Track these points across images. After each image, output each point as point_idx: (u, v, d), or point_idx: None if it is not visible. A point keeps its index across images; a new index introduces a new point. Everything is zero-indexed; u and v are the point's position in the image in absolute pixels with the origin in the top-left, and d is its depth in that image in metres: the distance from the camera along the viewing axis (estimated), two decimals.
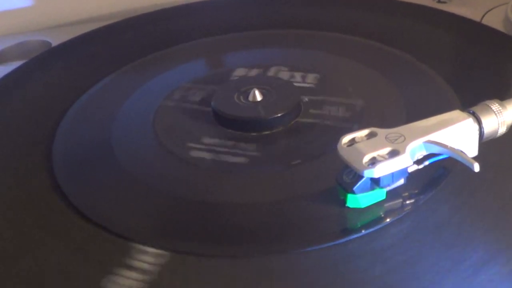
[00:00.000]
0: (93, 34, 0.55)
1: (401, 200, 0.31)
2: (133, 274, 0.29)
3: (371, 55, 0.47)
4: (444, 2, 0.59)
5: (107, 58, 0.51)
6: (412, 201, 0.31)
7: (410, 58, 0.46)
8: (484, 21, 0.55)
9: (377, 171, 0.29)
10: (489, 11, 0.56)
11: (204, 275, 0.29)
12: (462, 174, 0.32)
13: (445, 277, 0.27)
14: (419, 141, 0.30)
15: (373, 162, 0.29)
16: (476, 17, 0.55)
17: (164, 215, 0.33)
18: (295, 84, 0.43)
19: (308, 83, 0.43)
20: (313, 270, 0.28)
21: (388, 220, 0.30)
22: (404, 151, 0.29)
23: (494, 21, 0.54)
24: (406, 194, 0.32)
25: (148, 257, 0.30)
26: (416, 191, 0.32)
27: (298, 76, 0.44)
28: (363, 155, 0.29)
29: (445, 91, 0.42)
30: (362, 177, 0.29)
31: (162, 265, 0.29)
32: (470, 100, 0.34)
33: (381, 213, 0.31)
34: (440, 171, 0.33)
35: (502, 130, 0.33)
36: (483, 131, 0.32)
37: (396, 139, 0.30)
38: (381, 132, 0.31)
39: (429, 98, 0.41)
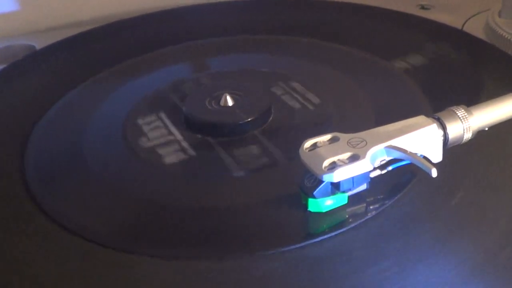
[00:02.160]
0: (76, 38, 0.56)
1: (364, 204, 0.31)
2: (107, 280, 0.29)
3: (345, 60, 0.48)
4: (427, 9, 0.59)
5: (88, 62, 0.51)
6: (375, 205, 0.31)
7: (388, 65, 0.47)
8: (466, 28, 0.55)
9: (336, 176, 0.29)
10: (471, 17, 0.57)
11: (172, 278, 0.29)
12: (429, 179, 0.32)
13: (408, 280, 0.27)
14: (380, 146, 0.30)
15: (333, 166, 0.29)
16: (458, 24, 0.55)
17: (134, 220, 0.33)
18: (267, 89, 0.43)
19: (280, 88, 0.43)
20: (274, 273, 0.28)
21: (348, 224, 0.30)
22: (364, 156, 0.29)
23: (475, 27, 0.55)
24: (370, 198, 0.32)
25: (118, 262, 0.30)
26: (380, 196, 0.32)
27: (267, 80, 0.45)
28: (324, 159, 0.29)
29: (419, 97, 0.42)
30: (322, 181, 0.29)
31: (133, 270, 0.29)
32: (444, 107, 0.33)
33: (342, 218, 0.31)
34: (406, 176, 0.33)
35: (467, 136, 0.33)
36: (448, 137, 0.32)
37: (358, 144, 0.30)
38: (344, 137, 0.31)
39: (403, 105, 0.42)
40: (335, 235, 0.30)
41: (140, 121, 0.41)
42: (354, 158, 0.29)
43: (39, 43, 0.58)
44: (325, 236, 0.30)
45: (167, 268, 0.29)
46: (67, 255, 0.31)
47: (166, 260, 0.30)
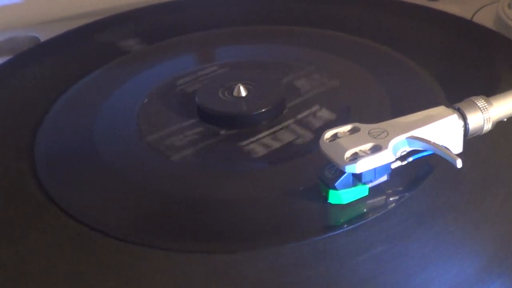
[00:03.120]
0: (80, 30, 0.55)
1: (384, 196, 0.31)
2: (116, 271, 0.29)
3: (359, 52, 0.47)
4: (436, 0, 0.59)
5: (93, 54, 0.51)
6: (396, 197, 0.31)
7: (399, 56, 0.46)
8: (475, 19, 0.54)
9: (359, 167, 0.28)
10: (480, 9, 0.56)
11: (189, 272, 0.28)
12: (447, 171, 0.32)
13: (430, 273, 0.27)
14: (402, 137, 0.30)
15: (355, 157, 0.29)
16: (467, 15, 0.55)
17: (146, 212, 0.33)
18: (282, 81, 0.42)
19: (295, 79, 0.43)
20: (295, 266, 0.28)
21: (370, 216, 0.30)
22: (386, 147, 0.29)
23: (485, 19, 0.54)
24: (390, 190, 0.31)
25: (128, 254, 0.30)
26: (400, 188, 0.32)
27: (285, 72, 0.44)
28: (345, 150, 0.29)
29: (433, 88, 0.42)
30: (343, 172, 0.29)
31: (142, 261, 0.29)
32: (459, 97, 0.33)
33: (364, 210, 0.30)
34: (425, 168, 0.33)
35: (487, 126, 0.32)
36: (468, 128, 0.32)
37: (379, 135, 0.30)
38: (364, 127, 0.30)
39: (416, 95, 0.41)
40: (356, 227, 0.29)
41: (151, 112, 0.41)
42: (376, 149, 0.29)
43: (43, 35, 0.57)
44: (346, 228, 0.29)
45: (179, 261, 0.29)
46: (77, 246, 0.30)
47: (178, 253, 0.29)
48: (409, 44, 0.48)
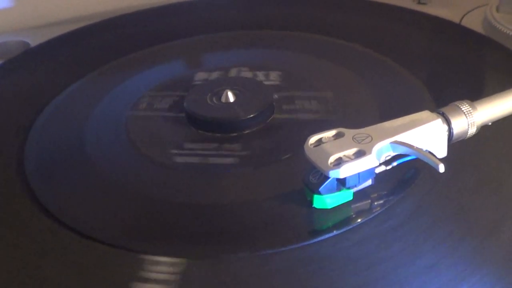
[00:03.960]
0: (70, 35, 0.55)
1: (369, 201, 0.31)
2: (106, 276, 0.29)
3: (348, 56, 0.47)
4: (424, 4, 0.59)
5: (83, 59, 0.51)
6: (380, 202, 0.31)
7: (387, 60, 0.46)
8: (464, 23, 0.55)
9: (343, 172, 0.28)
10: (468, 12, 0.57)
11: (177, 276, 0.29)
12: (433, 175, 0.32)
13: (412, 278, 0.27)
14: (386, 142, 0.30)
15: (339, 162, 0.29)
16: (456, 18, 0.55)
17: (134, 216, 0.33)
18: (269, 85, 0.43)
19: (283, 83, 0.43)
20: (279, 272, 0.28)
21: (355, 221, 0.30)
22: (370, 152, 0.29)
23: (473, 22, 0.55)
24: (375, 195, 0.31)
25: (119, 259, 0.30)
26: (385, 192, 0.32)
27: (273, 77, 0.44)
28: (329, 155, 0.29)
29: (421, 92, 0.42)
30: (328, 177, 0.29)
31: (129, 266, 0.29)
32: (447, 101, 0.33)
33: (348, 214, 0.30)
34: (411, 172, 0.33)
35: (472, 131, 0.32)
36: (453, 132, 0.32)
37: (363, 140, 0.30)
38: (349, 132, 0.31)
39: (404, 99, 0.41)
40: (341, 232, 0.30)
41: (141, 118, 0.41)
42: (360, 154, 0.29)
43: (33, 40, 0.57)
44: (331, 234, 0.30)
45: (168, 266, 0.29)
46: (66, 252, 0.31)
47: (165, 258, 0.30)
48: (397, 48, 0.48)
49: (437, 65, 0.46)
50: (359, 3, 0.56)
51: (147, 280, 0.28)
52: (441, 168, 0.28)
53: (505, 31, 0.50)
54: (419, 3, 0.59)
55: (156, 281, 0.28)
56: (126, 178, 0.36)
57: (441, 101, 0.39)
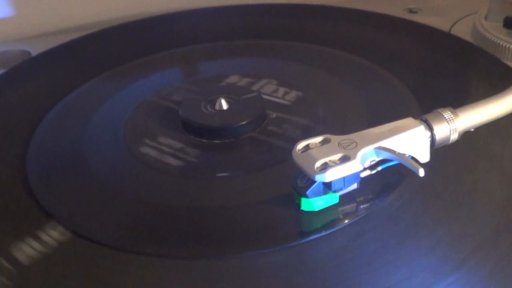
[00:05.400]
0: (71, 44, 0.56)
1: (355, 204, 0.32)
2: (106, 277, 0.30)
3: (337, 64, 0.49)
4: (415, 12, 0.60)
5: (83, 67, 0.52)
6: (366, 205, 0.33)
7: (377, 68, 0.48)
8: (453, 31, 0.56)
9: (328, 176, 0.30)
10: (458, 21, 0.58)
11: (170, 277, 0.30)
12: (416, 179, 0.33)
13: (399, 280, 0.28)
14: (370, 147, 0.31)
15: (325, 167, 0.30)
16: (446, 27, 0.56)
17: (133, 219, 0.34)
18: (261, 93, 0.44)
19: (273, 91, 0.45)
20: (267, 272, 0.29)
21: (341, 223, 0.31)
22: (354, 157, 0.30)
23: (462, 30, 0.56)
24: (361, 198, 0.33)
25: (117, 261, 0.31)
26: (371, 196, 0.33)
27: (261, 84, 0.46)
28: (316, 160, 0.30)
29: (408, 99, 0.43)
30: (314, 181, 0.30)
31: (131, 269, 0.30)
32: (434, 109, 0.34)
33: (335, 216, 0.32)
34: (396, 176, 0.34)
35: (454, 137, 0.34)
36: (435, 138, 0.33)
37: (348, 145, 0.31)
38: (335, 138, 0.32)
39: (392, 106, 0.43)
40: (328, 234, 0.31)
41: (138, 124, 0.42)
42: (345, 159, 0.30)
43: (34, 49, 0.58)
44: (318, 235, 0.31)
45: (164, 266, 0.30)
46: (66, 254, 0.32)
47: (163, 259, 0.31)
48: (387, 56, 0.49)
49: (426, 72, 0.47)
50: (351, 13, 0.57)
51: (146, 282, 0.29)
52: (421, 172, 0.30)
53: (493, 39, 0.51)
54: (410, 11, 0.61)
55: (154, 282, 0.30)
56: (123, 182, 0.37)
57: (428, 108, 0.40)
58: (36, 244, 0.32)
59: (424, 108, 0.41)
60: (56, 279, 0.30)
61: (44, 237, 0.33)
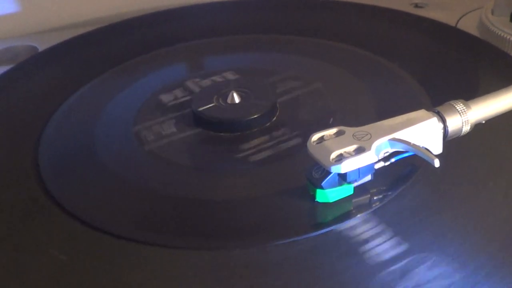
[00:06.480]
0: (78, 39, 0.57)
1: (369, 195, 0.33)
2: (120, 269, 0.30)
3: (347, 58, 0.49)
4: (422, 7, 0.61)
5: (90, 63, 0.52)
6: (380, 196, 0.33)
7: (385, 62, 0.48)
8: (460, 25, 0.56)
9: (344, 167, 0.30)
10: (464, 15, 0.58)
11: (183, 268, 0.30)
12: (431, 171, 0.34)
13: (413, 271, 0.29)
14: (385, 139, 0.31)
15: (340, 158, 0.30)
16: (452, 22, 0.57)
17: (141, 210, 0.35)
18: (273, 87, 0.44)
19: (285, 85, 0.45)
20: (283, 263, 0.30)
21: (356, 214, 0.32)
22: (369, 148, 0.31)
23: (469, 25, 0.56)
24: (375, 189, 0.33)
25: (129, 252, 0.31)
26: (385, 187, 0.33)
27: (276, 79, 0.46)
28: (331, 152, 0.31)
29: (418, 92, 0.43)
30: (329, 173, 0.31)
31: (143, 259, 0.30)
32: (443, 101, 0.35)
33: (350, 208, 0.32)
34: (410, 168, 0.34)
35: (466, 128, 0.34)
36: (447, 130, 0.33)
37: (363, 137, 0.31)
38: (349, 130, 0.32)
39: (402, 99, 0.43)
40: (343, 225, 0.31)
41: (148, 118, 0.42)
42: (360, 150, 0.31)
43: (41, 44, 0.59)
44: (333, 227, 0.31)
45: (175, 257, 0.30)
46: (78, 245, 0.32)
47: (174, 250, 0.31)
48: (395, 50, 0.49)
49: (434, 66, 0.47)
50: (358, 7, 0.58)
51: (156, 272, 0.30)
52: (436, 163, 0.30)
53: (499, 33, 0.51)
54: (416, 6, 0.61)
55: (164, 273, 0.30)
56: (134, 175, 0.37)
57: (437, 100, 0.40)
58: (48, 238, 0.32)
59: (434, 100, 0.41)
60: (74, 271, 0.30)
61: (56, 229, 0.33)
